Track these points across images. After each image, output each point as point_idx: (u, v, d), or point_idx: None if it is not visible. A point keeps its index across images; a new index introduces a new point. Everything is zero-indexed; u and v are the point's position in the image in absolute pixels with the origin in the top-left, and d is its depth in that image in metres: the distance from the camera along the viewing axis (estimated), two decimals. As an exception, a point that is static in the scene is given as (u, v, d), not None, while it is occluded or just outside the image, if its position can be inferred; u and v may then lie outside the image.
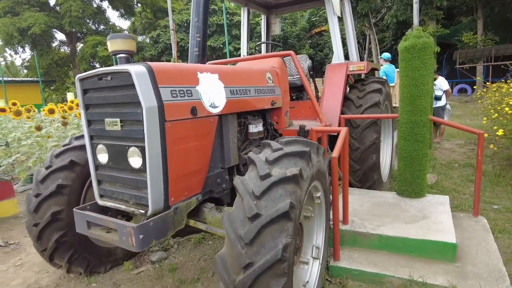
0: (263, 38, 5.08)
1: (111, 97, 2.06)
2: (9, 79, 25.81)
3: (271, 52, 5.19)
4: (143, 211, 2.05)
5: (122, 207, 2.17)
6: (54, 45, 26.76)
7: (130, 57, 2.36)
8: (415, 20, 3.05)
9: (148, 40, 27.27)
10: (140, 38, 34.17)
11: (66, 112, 6.90)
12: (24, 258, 3.29)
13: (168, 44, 22.63)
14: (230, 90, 2.57)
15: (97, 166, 2.30)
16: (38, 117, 8.61)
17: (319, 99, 4.17)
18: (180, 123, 2.10)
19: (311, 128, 3.06)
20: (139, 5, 28.94)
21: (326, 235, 2.51)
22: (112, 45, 2.30)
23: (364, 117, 3.72)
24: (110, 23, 27.91)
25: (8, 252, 3.42)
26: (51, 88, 30.01)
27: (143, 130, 1.91)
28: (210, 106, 2.34)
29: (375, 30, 19.58)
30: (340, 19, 4.21)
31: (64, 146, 2.76)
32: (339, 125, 3.73)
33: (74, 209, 2.30)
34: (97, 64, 28.09)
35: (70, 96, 12.63)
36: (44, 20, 21.90)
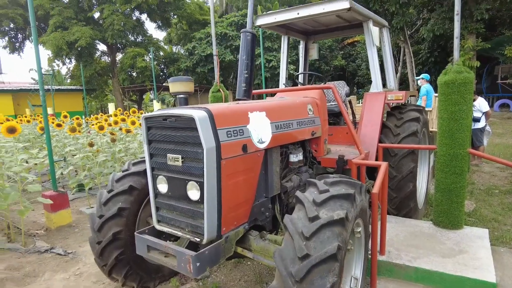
0: (301, 64, 5.28)
1: (174, 136, 2.31)
2: (56, 87, 27.80)
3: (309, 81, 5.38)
4: (198, 239, 2.28)
5: (179, 233, 2.41)
6: (96, 55, 28.53)
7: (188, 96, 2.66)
8: (456, 54, 3.06)
9: (183, 52, 28.35)
10: (175, 48, 35.61)
11: (111, 125, 7.41)
12: (82, 267, 3.63)
13: (203, 56, 23.41)
14: (276, 125, 2.78)
15: (156, 194, 2.57)
16: (85, 129, 9.27)
17: (357, 125, 4.28)
18: (233, 159, 2.31)
19: (350, 160, 3.19)
20: (175, 16, 30.17)
21: (364, 266, 2.62)
22: (173, 87, 2.59)
23: (402, 147, 3.79)
24: (148, 34, 29.33)
25: (68, 261, 3.79)
26: (91, 95, 31.96)
27: (203, 167, 2.15)
28: (258, 142, 2.55)
29: (410, 43, 19.23)
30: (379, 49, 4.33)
31: (123, 171, 3.07)
32: (377, 153, 3.82)
33: (135, 233, 2.58)
34: (134, 73, 29.55)
35: (111, 107, 13.39)
36: (89, 33, 23.60)
